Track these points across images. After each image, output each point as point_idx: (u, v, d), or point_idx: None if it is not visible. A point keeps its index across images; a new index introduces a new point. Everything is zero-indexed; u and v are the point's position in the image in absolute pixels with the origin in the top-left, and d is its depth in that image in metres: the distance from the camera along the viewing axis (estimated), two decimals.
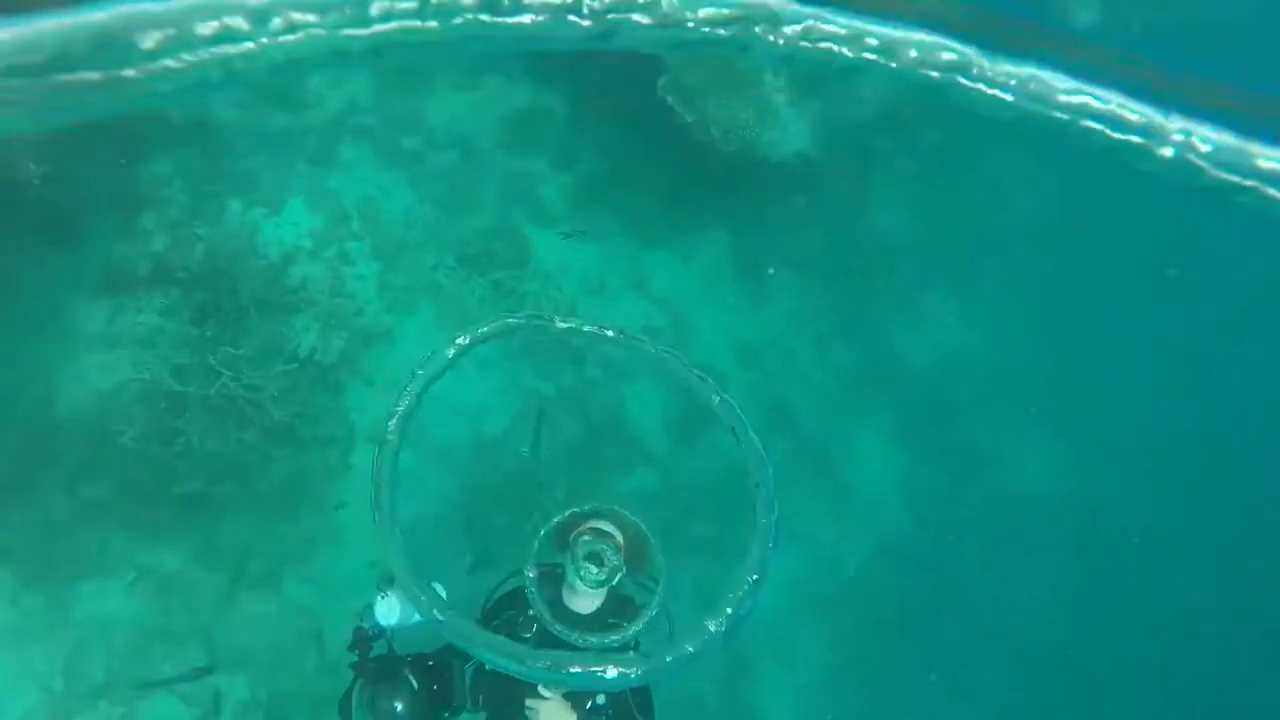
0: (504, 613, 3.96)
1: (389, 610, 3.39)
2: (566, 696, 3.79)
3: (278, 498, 7.21)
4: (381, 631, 3.46)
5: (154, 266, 7.12)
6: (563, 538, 3.97)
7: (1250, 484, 11.39)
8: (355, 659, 3.40)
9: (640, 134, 8.71)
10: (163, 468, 6.71)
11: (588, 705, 3.85)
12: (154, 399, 6.77)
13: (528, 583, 3.66)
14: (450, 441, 8.63)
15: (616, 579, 3.85)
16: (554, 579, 3.97)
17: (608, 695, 3.91)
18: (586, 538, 3.82)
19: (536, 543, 3.76)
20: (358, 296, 8.01)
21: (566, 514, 3.83)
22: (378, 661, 3.35)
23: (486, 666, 3.86)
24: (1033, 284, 11.71)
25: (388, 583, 3.44)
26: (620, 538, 3.91)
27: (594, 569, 3.76)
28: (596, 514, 3.91)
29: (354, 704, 3.31)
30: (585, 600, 3.94)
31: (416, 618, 3.43)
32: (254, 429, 6.97)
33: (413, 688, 3.29)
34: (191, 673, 6.62)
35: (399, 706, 3.23)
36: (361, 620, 3.45)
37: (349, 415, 8.07)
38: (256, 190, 7.79)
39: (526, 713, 3.81)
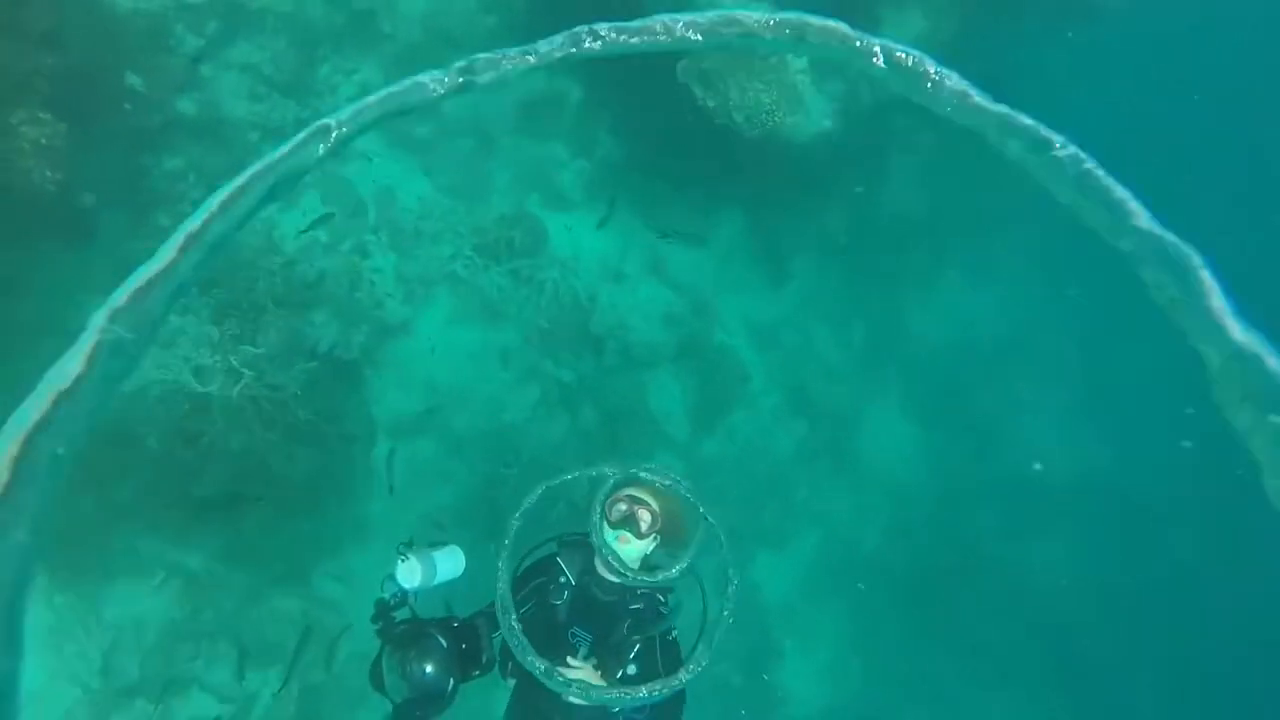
0: (533, 580, 3.92)
1: (410, 573, 3.35)
2: (596, 666, 3.73)
3: (303, 496, 7.22)
4: (404, 598, 3.43)
5: None
6: (598, 506, 3.90)
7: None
8: (380, 628, 3.33)
9: (659, 119, 8.52)
10: (188, 469, 6.71)
11: (618, 674, 3.78)
12: (176, 401, 6.75)
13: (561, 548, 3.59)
14: (471, 431, 8.63)
15: (650, 548, 3.80)
16: (585, 547, 3.91)
17: (639, 664, 3.84)
18: (621, 506, 3.77)
19: (597, 507, 3.65)
20: (376, 289, 7.95)
21: (609, 484, 3.70)
22: (404, 626, 3.26)
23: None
24: (1050, 259, 11.56)
25: (407, 546, 3.42)
26: (656, 507, 3.85)
27: (629, 535, 3.71)
28: (635, 482, 3.79)
29: (384, 671, 3.22)
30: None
31: (437, 579, 3.45)
32: (278, 429, 6.95)
33: (442, 648, 3.19)
34: None
35: (429, 668, 3.14)
36: (382, 590, 3.39)
37: (371, 410, 8.06)
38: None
39: None
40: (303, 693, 7.09)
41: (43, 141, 5.76)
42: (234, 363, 6.89)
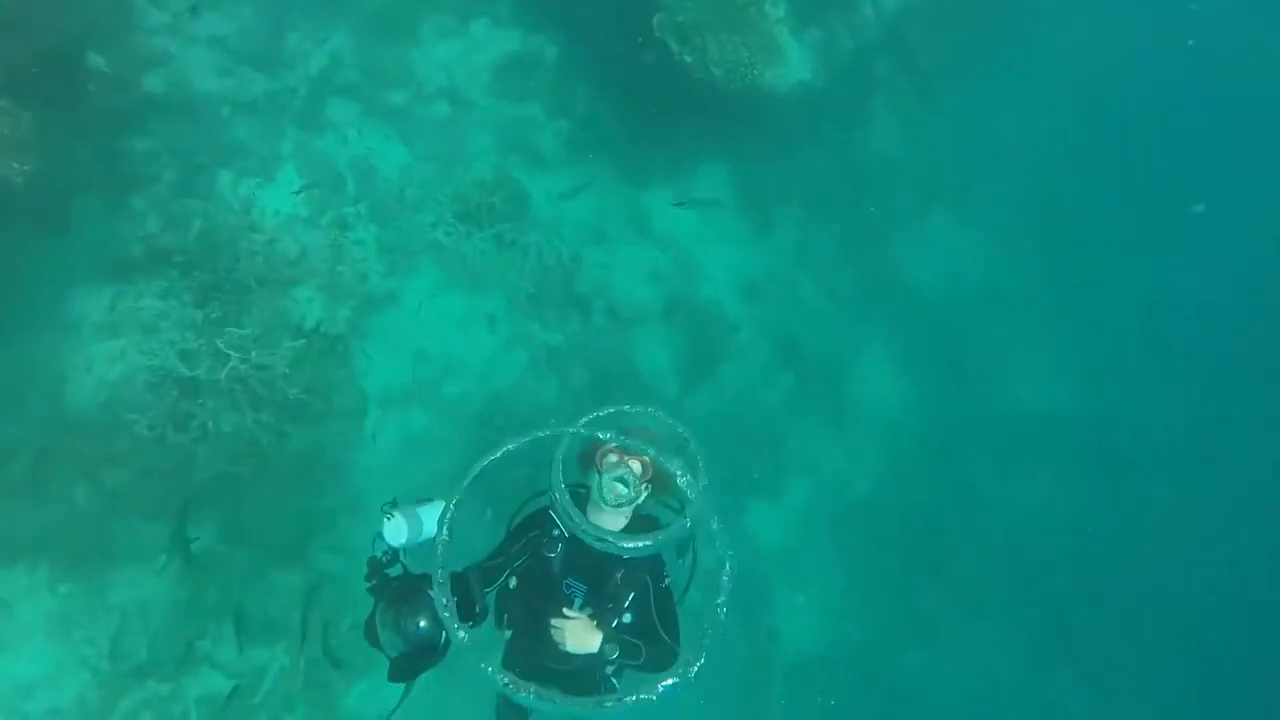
0: (527, 534, 3.95)
1: (397, 530, 3.39)
2: (592, 615, 3.78)
3: (297, 473, 7.26)
4: (395, 555, 3.45)
5: (149, 249, 6.97)
6: (589, 457, 3.92)
7: (1252, 394, 11.51)
8: (372, 585, 3.36)
9: (637, 76, 8.38)
10: (181, 453, 6.74)
11: (614, 623, 3.83)
12: (164, 386, 6.74)
13: (557, 495, 3.49)
14: (462, 398, 8.65)
15: (643, 498, 3.80)
16: (579, 499, 3.88)
17: (634, 614, 3.90)
18: (612, 457, 3.79)
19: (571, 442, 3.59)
20: (359, 262, 7.87)
21: (597, 434, 3.67)
22: (396, 583, 3.29)
23: (511, 586, 3.95)
24: (1033, 198, 11.54)
25: (392, 505, 3.46)
26: (648, 457, 3.83)
27: (621, 487, 3.74)
28: (628, 428, 3.77)
29: (378, 628, 3.25)
30: (611, 519, 3.88)
31: (424, 535, 3.47)
32: (268, 408, 6.97)
33: (432, 602, 3.16)
34: None
35: (423, 623, 3.14)
36: (373, 549, 3.43)
37: (360, 383, 8.06)
38: (246, 159, 7.55)
39: (552, 632, 3.76)
40: (308, 664, 7.24)
41: (5, 132, 5.64)
42: (220, 345, 6.87)
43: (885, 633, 9.87)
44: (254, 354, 6.92)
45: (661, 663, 3.83)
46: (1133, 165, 11.73)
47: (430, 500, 3.65)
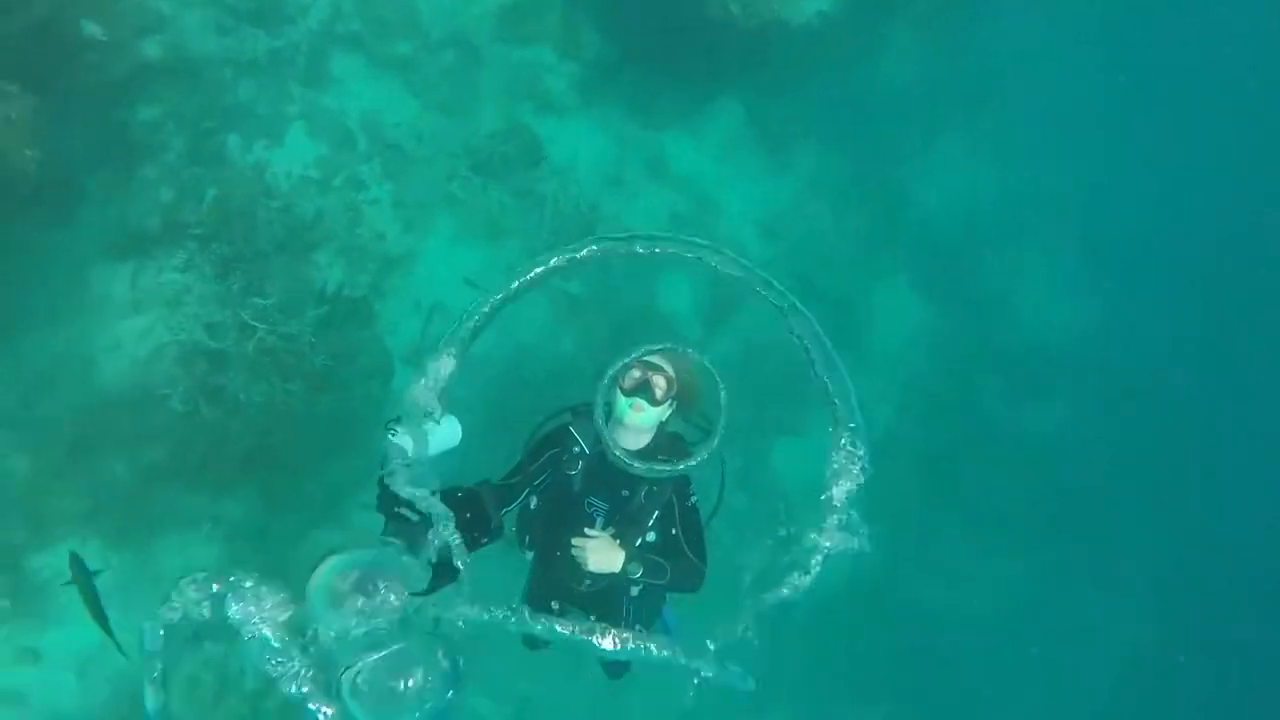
0: (547, 451, 3.86)
1: (402, 448, 3.22)
2: (615, 534, 3.70)
3: (331, 437, 7.35)
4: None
5: (166, 221, 6.87)
6: (613, 375, 3.72)
7: (1266, 316, 11.39)
8: (380, 504, 3.17)
9: (649, 14, 8.05)
10: (215, 426, 6.80)
11: (637, 542, 3.77)
12: (193, 360, 6.76)
13: (600, 397, 3.41)
14: (484, 351, 8.64)
15: (666, 415, 3.73)
16: (602, 415, 3.73)
17: (658, 532, 3.82)
18: (636, 372, 3.69)
19: (606, 380, 3.47)
20: (375, 222, 7.78)
21: (629, 357, 3.51)
22: (404, 500, 3.08)
23: (531, 506, 3.89)
24: (1048, 119, 11.22)
25: (396, 421, 3.28)
26: (672, 372, 3.76)
27: (645, 404, 3.63)
28: (655, 350, 3.62)
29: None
30: (634, 437, 3.79)
31: (431, 450, 3.30)
32: (297, 378, 6.98)
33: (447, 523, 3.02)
34: None
35: (436, 544, 2.95)
36: (380, 468, 3.22)
37: (385, 343, 8.06)
38: (253, 122, 7.38)
39: (573, 551, 3.68)
40: None
41: (13, 117, 5.50)
42: (245, 317, 6.84)
43: (904, 560, 10.09)
44: (280, 324, 6.91)
45: (687, 582, 3.79)
46: (1158, 86, 11.32)
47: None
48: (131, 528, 6.81)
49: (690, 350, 3.75)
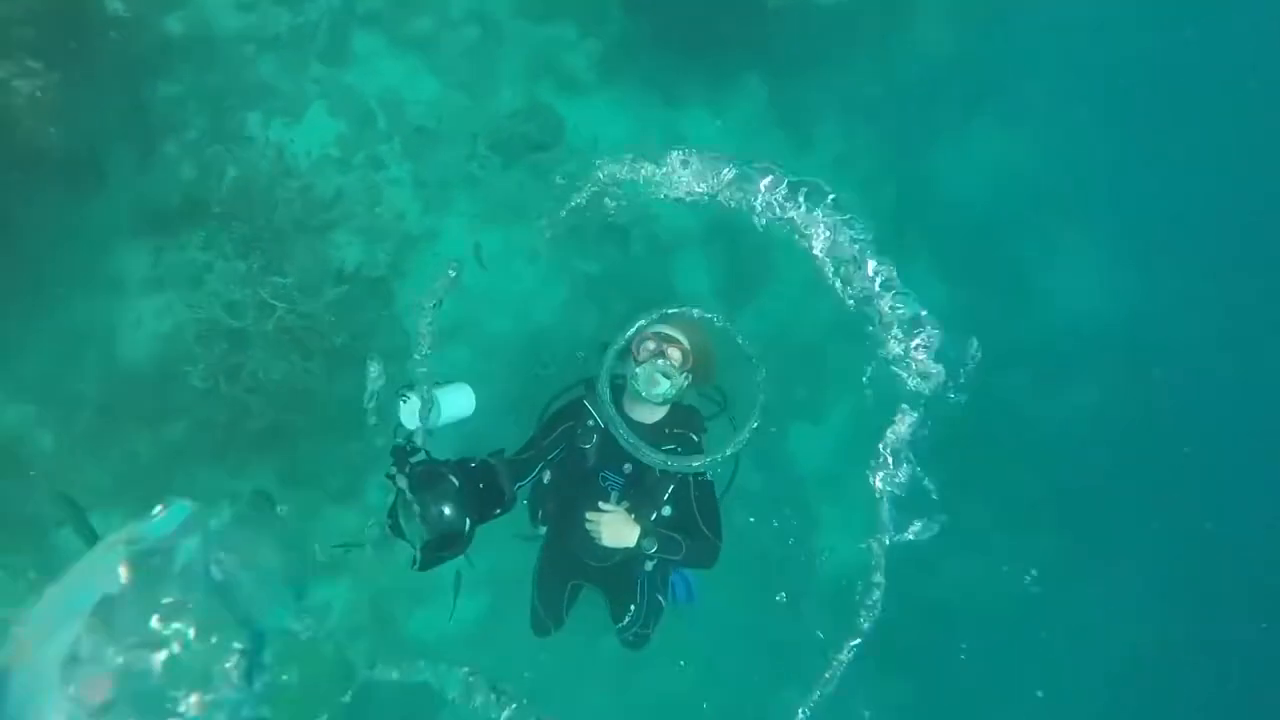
0: (560, 425, 3.85)
1: (413, 413, 3.22)
2: (629, 509, 3.68)
3: (349, 417, 7.38)
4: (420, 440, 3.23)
5: (187, 199, 6.89)
6: (627, 347, 3.74)
7: None
8: (392, 472, 3.13)
9: None
10: (234, 404, 6.84)
11: (652, 517, 3.73)
12: (213, 338, 6.79)
13: (603, 372, 3.51)
14: (503, 332, 8.65)
15: (683, 386, 3.70)
16: (616, 389, 3.77)
17: (673, 507, 3.78)
18: (650, 344, 3.66)
19: (612, 349, 3.57)
20: (395, 202, 7.74)
21: (640, 323, 3.60)
22: (419, 469, 3.06)
23: (545, 480, 3.90)
24: (1079, 98, 10.93)
25: (409, 387, 3.29)
26: (687, 344, 3.73)
27: (661, 379, 3.63)
28: (668, 319, 3.66)
29: (401, 517, 3.02)
30: (648, 410, 3.79)
31: (444, 419, 3.30)
32: (317, 357, 7.00)
33: (456, 488, 2.96)
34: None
35: (447, 510, 2.92)
36: (395, 436, 3.26)
37: (404, 322, 8.07)
38: (274, 100, 7.35)
39: (588, 526, 3.65)
40: (374, 597, 7.58)
41: (38, 95, 5.51)
42: (265, 296, 6.86)
43: (924, 543, 10.01)
44: (299, 303, 6.92)
45: (702, 558, 3.75)
46: (1201, 62, 10.98)
47: (452, 382, 3.47)
48: (154, 503, 6.88)
49: (711, 315, 3.65)
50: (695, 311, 3.67)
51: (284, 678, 1.78)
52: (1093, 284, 11.34)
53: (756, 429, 3.51)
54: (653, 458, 3.48)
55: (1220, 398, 11.01)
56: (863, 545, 3.36)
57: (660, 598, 4.36)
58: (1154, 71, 11.30)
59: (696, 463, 3.47)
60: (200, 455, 6.90)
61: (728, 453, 3.47)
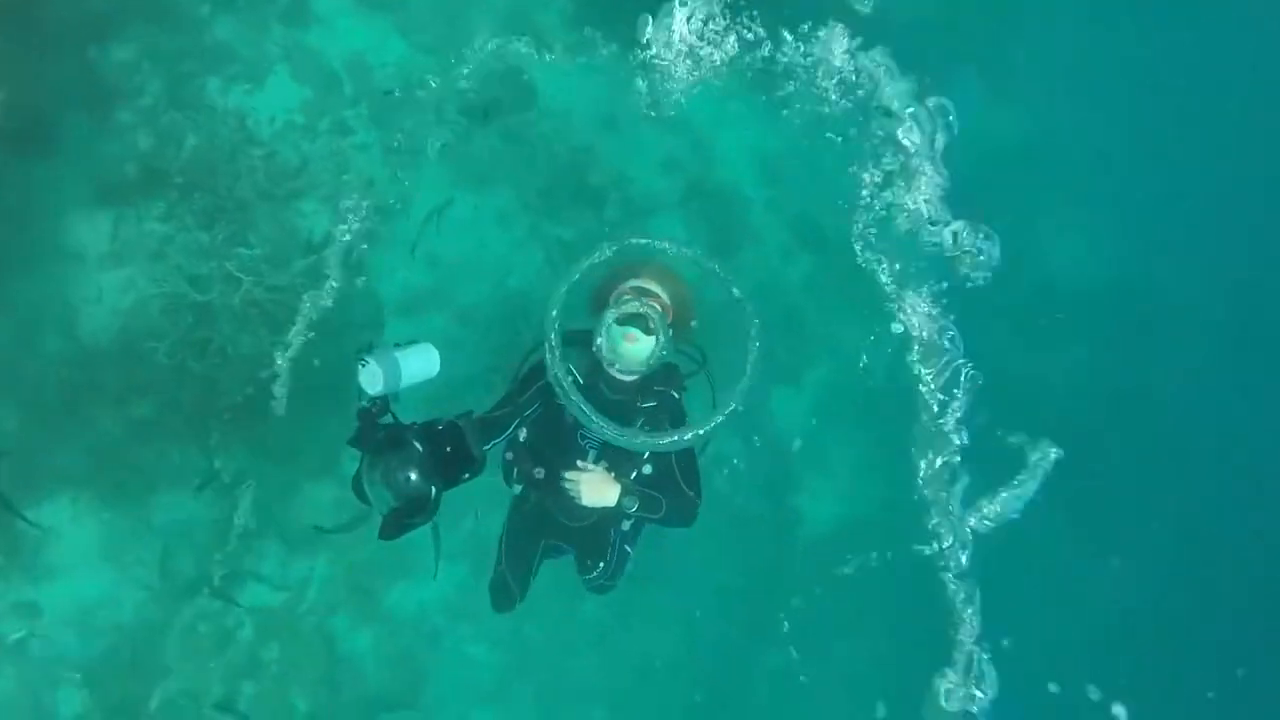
0: (537, 381, 3.72)
1: (373, 378, 3.11)
2: (609, 468, 3.59)
3: (322, 391, 7.24)
4: (384, 404, 3.15)
5: (144, 168, 6.64)
6: (601, 293, 3.63)
7: None
8: (356, 438, 3.07)
9: None
10: (203, 380, 6.70)
11: (632, 475, 3.64)
12: (178, 313, 6.61)
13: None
14: (479, 300, 8.50)
15: (659, 357, 3.53)
16: (586, 346, 3.60)
17: (653, 465, 3.68)
18: (627, 297, 3.53)
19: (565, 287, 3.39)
20: (363, 169, 7.51)
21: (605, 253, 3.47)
22: (382, 434, 3.00)
23: (521, 439, 3.78)
24: (1066, 60, 10.81)
25: (368, 349, 3.19)
26: (665, 297, 3.62)
27: (638, 332, 3.45)
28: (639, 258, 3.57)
29: (365, 484, 2.96)
30: (627, 370, 3.63)
31: (405, 382, 3.21)
32: (286, 330, 6.86)
33: (419, 453, 2.89)
34: None
35: (413, 475, 2.85)
36: (359, 400, 3.16)
37: (377, 294, 7.90)
38: (233, 64, 7.05)
39: (566, 485, 3.58)
40: (351, 570, 7.50)
41: None
42: (230, 268, 6.68)
43: (907, 507, 10.05)
44: (266, 275, 6.75)
45: (682, 516, 3.65)
46: (1192, 29, 10.84)
47: (414, 343, 3.36)
48: (123, 483, 6.74)
49: (690, 250, 3.49)
50: (667, 244, 3.53)
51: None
52: (1078, 251, 11.29)
53: (748, 390, 3.33)
54: (628, 441, 3.35)
55: (1198, 364, 11.06)
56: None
57: (628, 548, 4.25)
58: (1148, 33, 11.19)
59: (688, 435, 3.34)
60: (171, 433, 6.74)
61: (720, 419, 3.30)
